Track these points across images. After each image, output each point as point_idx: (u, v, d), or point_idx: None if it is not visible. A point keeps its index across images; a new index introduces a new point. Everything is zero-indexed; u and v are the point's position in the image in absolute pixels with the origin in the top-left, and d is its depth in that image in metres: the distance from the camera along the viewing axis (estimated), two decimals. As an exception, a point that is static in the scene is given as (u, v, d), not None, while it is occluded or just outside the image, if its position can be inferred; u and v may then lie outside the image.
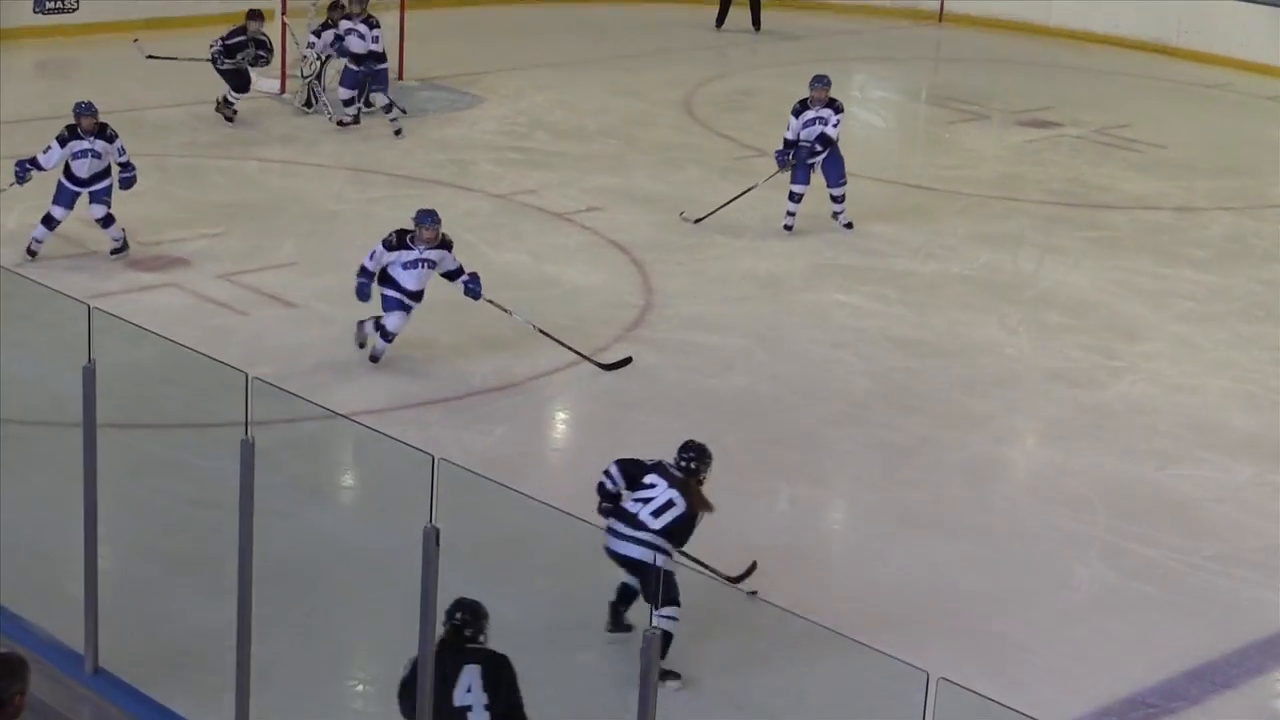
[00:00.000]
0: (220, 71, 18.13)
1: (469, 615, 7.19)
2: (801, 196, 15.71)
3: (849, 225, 15.89)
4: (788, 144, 15.65)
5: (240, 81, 18.30)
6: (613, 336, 13.12)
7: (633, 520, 8.47)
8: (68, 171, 14.03)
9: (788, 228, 15.73)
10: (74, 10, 21.79)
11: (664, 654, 7.80)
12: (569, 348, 12.42)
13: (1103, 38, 25.04)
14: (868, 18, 25.95)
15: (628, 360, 12.48)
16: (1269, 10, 23.98)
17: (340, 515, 10.47)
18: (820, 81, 15.65)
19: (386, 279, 12.27)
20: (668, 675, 8.06)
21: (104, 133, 14.03)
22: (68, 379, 7.73)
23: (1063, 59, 24.19)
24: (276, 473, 9.04)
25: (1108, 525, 10.69)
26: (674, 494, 8.56)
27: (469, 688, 7.08)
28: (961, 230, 16.28)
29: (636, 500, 8.55)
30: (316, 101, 18.79)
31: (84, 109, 14.04)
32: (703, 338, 13.28)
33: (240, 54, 18.10)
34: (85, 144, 13.97)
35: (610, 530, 8.45)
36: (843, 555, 10.45)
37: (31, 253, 13.99)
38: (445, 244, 12.28)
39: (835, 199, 15.83)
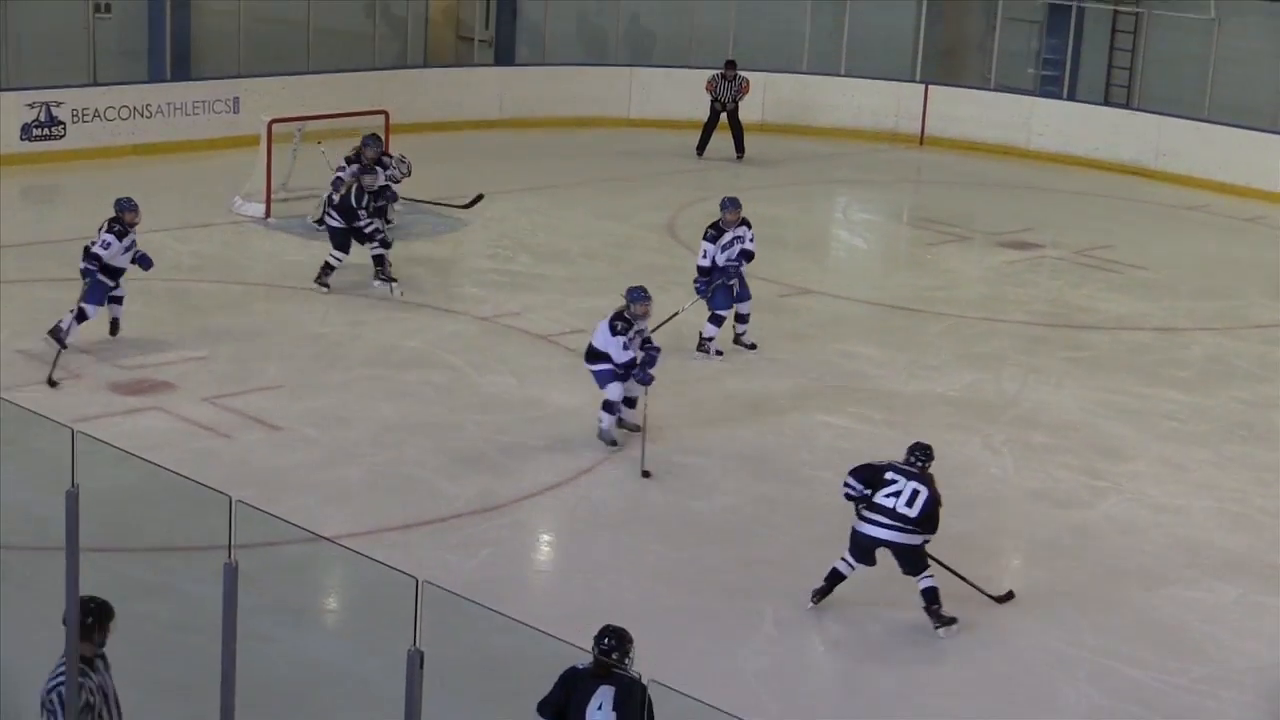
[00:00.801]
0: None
1: (614, 641, 7.89)
2: (724, 320, 15.74)
3: (753, 346, 15.92)
4: (704, 271, 15.70)
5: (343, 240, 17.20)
6: (597, 459, 13.12)
7: (889, 512, 10.58)
8: (108, 268, 14.64)
9: (718, 354, 15.74)
10: (61, 137, 21.91)
11: (936, 603, 10.64)
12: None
13: (1082, 160, 25.27)
14: (849, 141, 26.16)
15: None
16: (1245, 133, 24.24)
17: (324, 638, 10.41)
18: (731, 204, 15.79)
19: (595, 355, 13.34)
20: (945, 621, 10.66)
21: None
22: (50, 503, 7.70)
23: (1043, 181, 24.39)
24: (260, 596, 8.98)
25: (1095, 646, 10.66)
26: (916, 484, 10.59)
27: (600, 705, 7.77)
28: (945, 351, 16.34)
29: (888, 495, 10.57)
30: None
31: (130, 205, 14.97)
32: (687, 459, 13.28)
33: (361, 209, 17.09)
34: (133, 237, 14.82)
35: (866, 520, 10.62)
36: (828, 679, 10.40)
37: (64, 345, 14.36)
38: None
39: (742, 317, 15.94)
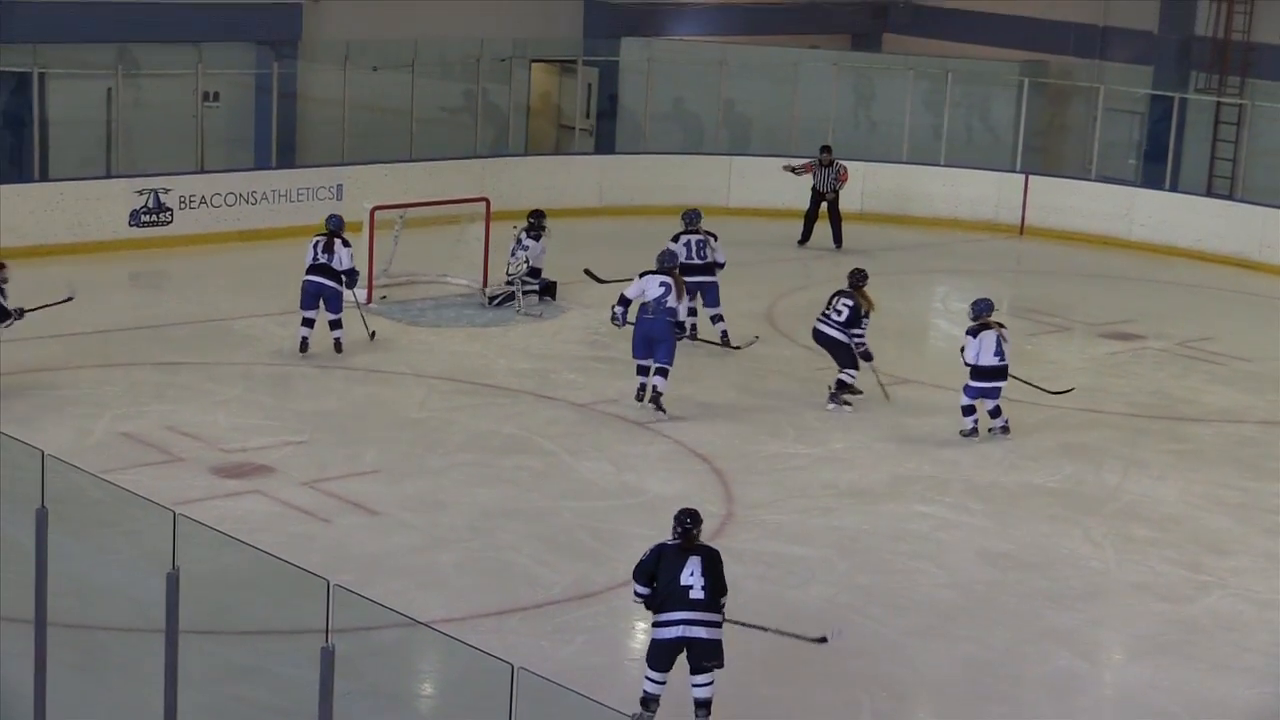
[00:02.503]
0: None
1: (692, 520, 10.24)
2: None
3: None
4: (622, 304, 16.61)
5: None
6: (693, 546, 13.05)
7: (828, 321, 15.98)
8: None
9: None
10: (168, 223, 22.24)
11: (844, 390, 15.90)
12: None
13: (1184, 251, 25.07)
14: (949, 230, 26.09)
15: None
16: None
17: (419, 724, 10.41)
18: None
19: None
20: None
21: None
22: (151, 585, 7.77)
23: (1145, 272, 24.21)
24: (356, 680, 9.00)
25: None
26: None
27: (692, 572, 9.99)
28: (1045, 442, 16.20)
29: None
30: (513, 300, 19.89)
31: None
32: (784, 548, 13.23)
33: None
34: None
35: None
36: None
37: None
38: None
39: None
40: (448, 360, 17.73)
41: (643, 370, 16.45)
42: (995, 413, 16.17)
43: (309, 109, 25.47)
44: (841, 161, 24.38)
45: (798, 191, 24.92)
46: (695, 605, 9.97)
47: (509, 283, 19.91)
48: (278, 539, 12.23)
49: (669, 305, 16.24)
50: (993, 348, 15.89)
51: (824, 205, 24.34)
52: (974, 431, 16.12)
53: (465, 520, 13.41)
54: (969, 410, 16.11)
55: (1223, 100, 27.38)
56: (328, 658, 7.14)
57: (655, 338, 16.27)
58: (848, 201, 24.75)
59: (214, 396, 15.94)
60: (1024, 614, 12.26)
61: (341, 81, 24.60)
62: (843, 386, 16.78)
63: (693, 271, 18.39)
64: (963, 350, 16.01)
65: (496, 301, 19.95)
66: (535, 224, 20.16)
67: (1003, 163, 27.50)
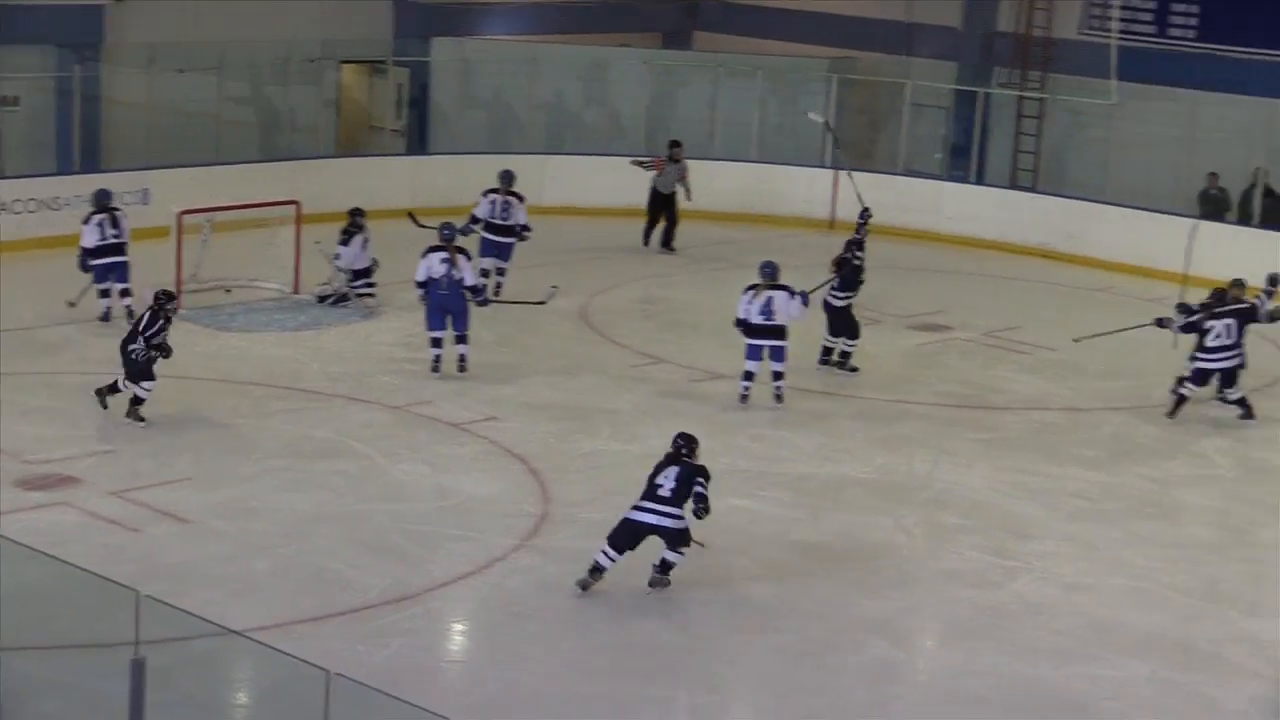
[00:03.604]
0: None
1: (684, 442, 12.33)
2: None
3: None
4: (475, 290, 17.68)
5: None
6: (510, 546, 13.09)
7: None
8: None
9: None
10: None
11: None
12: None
13: (990, 243, 25.52)
14: (761, 226, 26.29)
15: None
16: (1148, 215, 24.62)
17: (234, 734, 10.29)
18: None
19: (782, 331, 16.90)
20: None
21: None
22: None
23: (952, 264, 24.59)
24: (169, 692, 8.90)
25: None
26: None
27: (666, 477, 12.11)
28: (857, 434, 16.42)
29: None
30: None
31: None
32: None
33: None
34: None
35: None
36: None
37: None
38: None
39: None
40: (259, 365, 17.53)
41: (436, 342, 17.39)
42: (775, 375, 16.96)
43: (113, 112, 24.99)
44: (687, 161, 24.32)
45: (614, 190, 25.01)
46: (661, 500, 12.09)
47: (343, 295, 19.80)
48: (86, 551, 12.04)
49: (457, 277, 17.31)
50: (758, 308, 16.84)
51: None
52: (744, 398, 16.98)
53: (279, 527, 13.28)
54: (746, 375, 16.98)
55: (1025, 95, 27.91)
56: (138, 670, 7.05)
57: (450, 310, 17.39)
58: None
59: (17, 407, 15.59)
60: (838, 604, 12.42)
61: (146, 84, 24.20)
62: (846, 357, 18.18)
63: (495, 230, 20.61)
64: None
65: (330, 301, 19.80)
66: (347, 227, 19.96)
67: (812, 158, 27.81)
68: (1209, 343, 17.24)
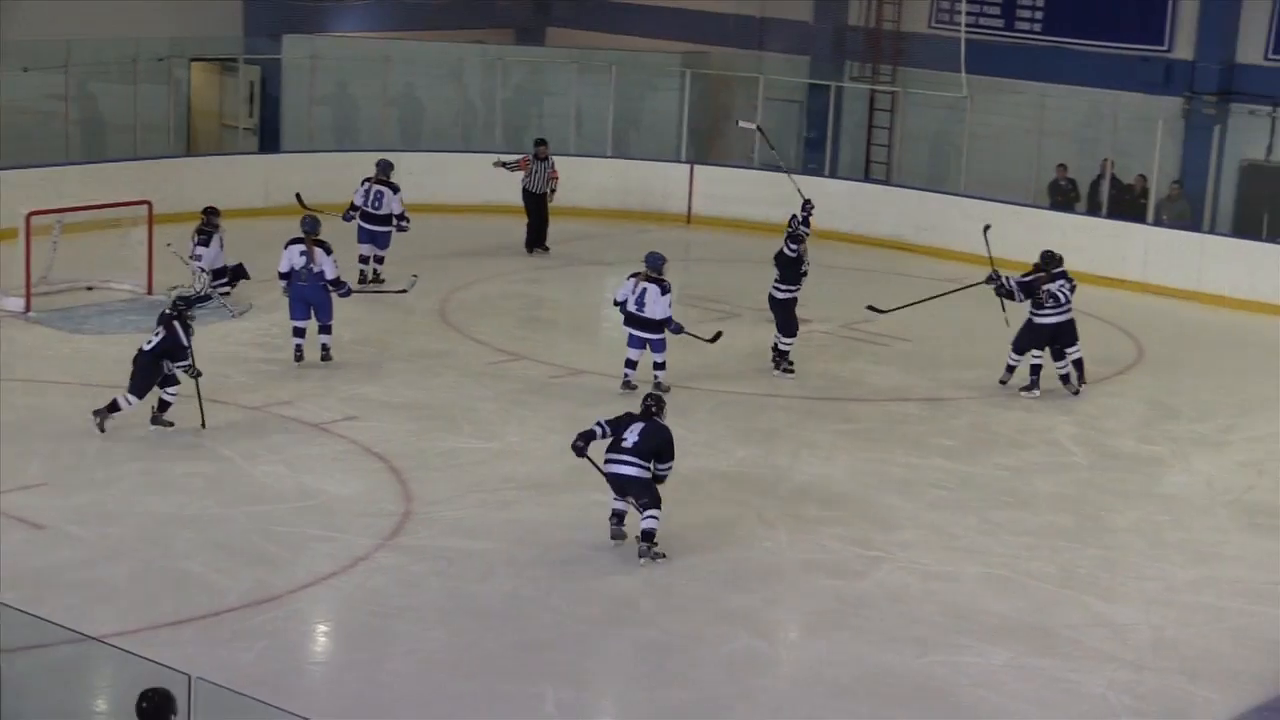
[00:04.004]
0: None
1: (653, 401, 13.27)
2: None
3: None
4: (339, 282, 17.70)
5: None
6: (372, 546, 13.01)
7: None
8: None
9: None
10: None
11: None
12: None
13: (846, 236, 25.73)
14: (617, 221, 26.35)
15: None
16: (1000, 206, 24.92)
17: (95, 742, 10.14)
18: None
19: (656, 325, 16.96)
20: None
21: None
22: None
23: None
24: (27, 700, 8.75)
25: (871, 714, 10.80)
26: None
27: (632, 431, 12.99)
28: (718, 428, 16.49)
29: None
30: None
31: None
32: (464, 543, 13.22)
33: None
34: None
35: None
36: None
37: None
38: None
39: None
40: (113, 368, 17.20)
41: (298, 332, 17.65)
42: (655, 366, 17.16)
43: (-42, 111, 24.54)
44: (552, 156, 24.15)
45: (471, 186, 24.95)
46: (625, 450, 12.95)
47: (205, 295, 19.46)
48: (-63, 559, 11.80)
49: (316, 270, 17.51)
50: (633, 299, 16.97)
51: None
52: (626, 385, 17.19)
53: (137, 531, 13.10)
54: (628, 363, 17.24)
55: (876, 88, 28.22)
56: (-6, 679, 6.91)
57: (311, 301, 17.60)
58: (514, 196, 24.68)
59: None
60: (702, 597, 12.47)
61: (-10, 83, 23.78)
62: (783, 356, 18.24)
63: (369, 219, 21.18)
64: None
65: (192, 303, 19.40)
66: (203, 225, 19.67)
67: (668, 153, 27.91)
68: (1045, 303, 17.65)
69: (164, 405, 15.43)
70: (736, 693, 11.10)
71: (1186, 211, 25.00)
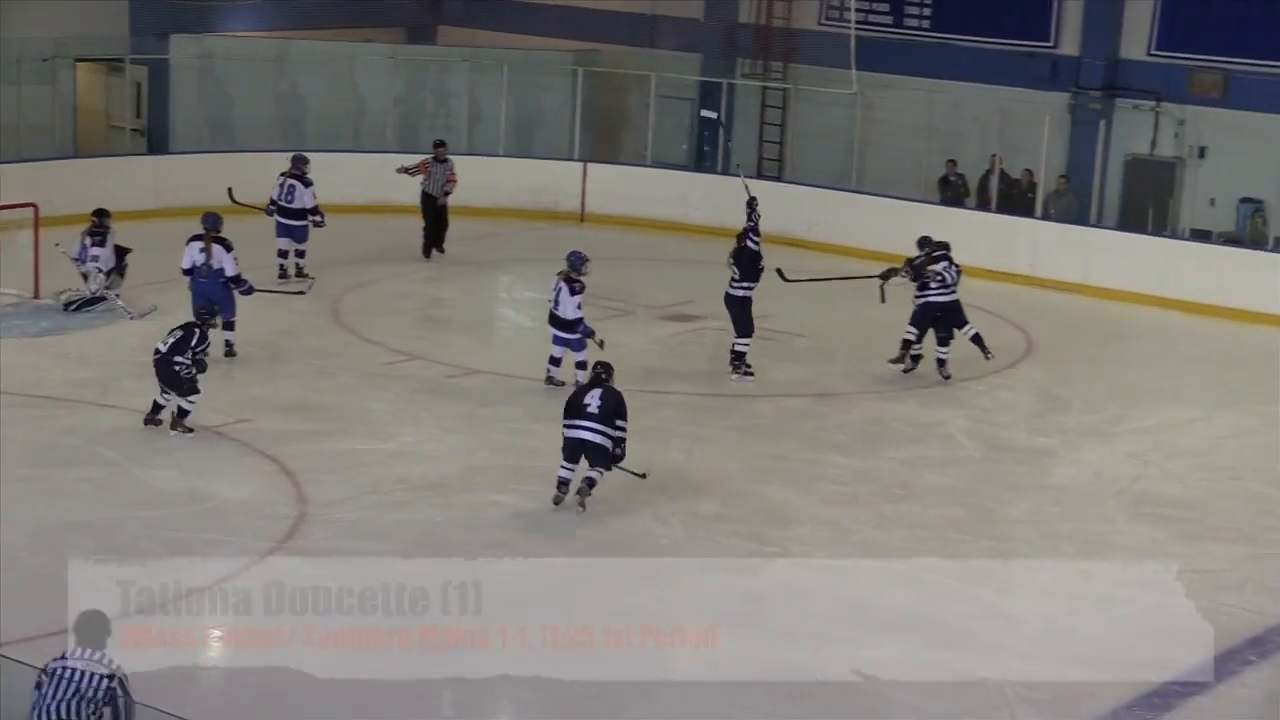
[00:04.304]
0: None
1: (603, 368, 14.22)
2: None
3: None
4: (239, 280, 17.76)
5: None
6: (266, 549, 12.91)
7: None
8: None
9: None
10: None
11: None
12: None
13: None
14: (511, 220, 26.30)
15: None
16: (891, 202, 25.15)
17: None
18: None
19: (567, 324, 17.05)
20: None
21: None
22: None
23: (702, 254, 24.71)
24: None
25: (770, 710, 10.84)
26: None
27: (592, 397, 13.95)
28: (613, 425, 16.48)
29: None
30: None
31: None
32: (359, 544, 13.15)
33: None
34: None
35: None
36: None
37: None
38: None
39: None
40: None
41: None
42: (577, 365, 17.13)
43: None
44: (451, 157, 23.69)
45: (362, 186, 24.81)
46: (590, 416, 13.81)
47: (99, 297, 19.32)
48: None
49: (216, 266, 17.56)
50: (553, 297, 17.17)
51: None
52: (550, 381, 17.33)
53: (25, 538, 12.91)
54: (553, 361, 17.34)
55: (768, 85, 28.34)
56: None
57: (212, 297, 17.17)
58: (409, 195, 24.52)
59: None
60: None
61: None
62: (739, 358, 18.15)
63: (285, 214, 21.32)
64: None
65: (74, 307, 19.25)
66: (95, 227, 19.48)
67: (561, 151, 27.89)
68: (931, 283, 17.85)
69: (183, 413, 15.37)
70: (635, 691, 11.11)
71: (1073, 206, 25.30)
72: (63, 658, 8.90)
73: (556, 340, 17.27)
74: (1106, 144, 25.45)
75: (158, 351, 15.40)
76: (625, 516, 14.06)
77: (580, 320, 17.05)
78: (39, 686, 8.76)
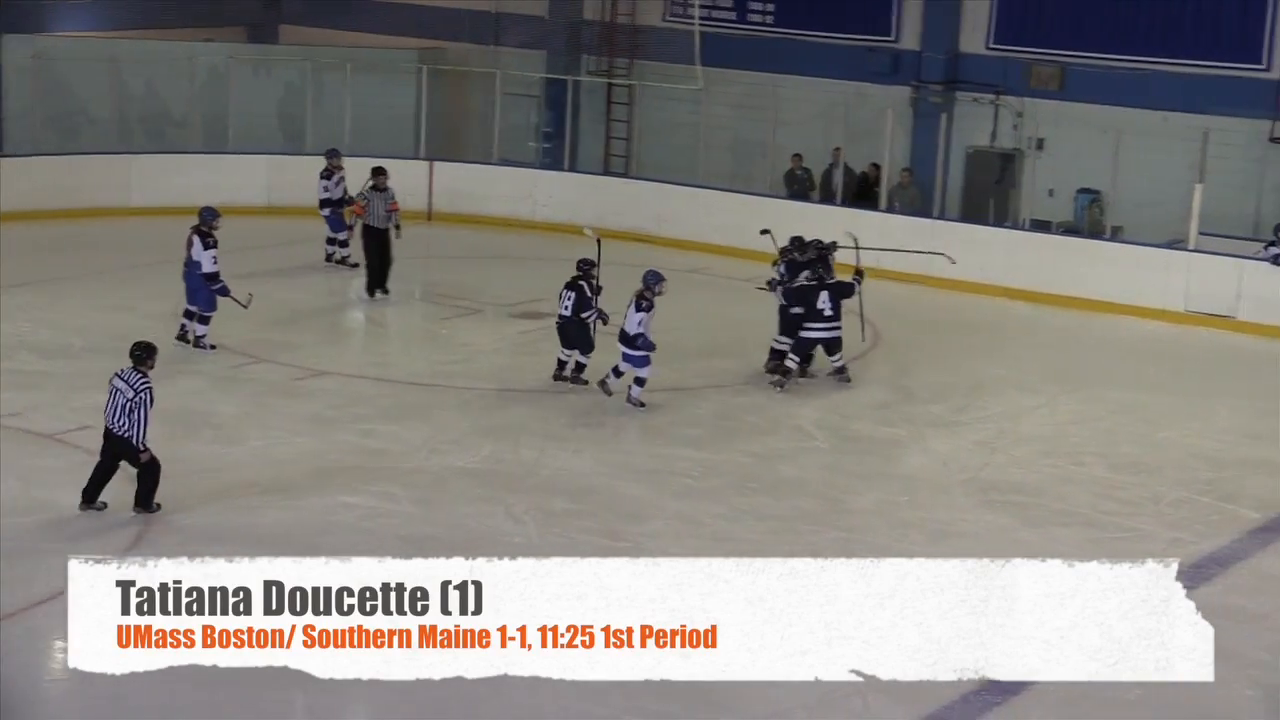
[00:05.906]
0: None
1: (585, 265, 17.43)
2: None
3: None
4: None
5: None
6: (111, 558, 12.65)
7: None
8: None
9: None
10: None
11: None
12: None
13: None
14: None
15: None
16: (737, 197, 25.31)
17: None
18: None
19: (631, 339, 17.26)
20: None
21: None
22: None
23: (550, 252, 24.71)
24: None
25: (625, 707, 10.84)
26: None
27: (568, 299, 17.33)
28: (463, 424, 16.43)
29: None
30: None
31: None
32: (207, 548, 12.92)
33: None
34: None
35: None
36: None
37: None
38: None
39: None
40: None
41: (189, 314, 18.63)
42: (637, 381, 17.35)
43: None
44: (391, 186, 22.34)
45: (205, 188, 24.48)
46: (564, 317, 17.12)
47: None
48: None
49: (195, 259, 18.47)
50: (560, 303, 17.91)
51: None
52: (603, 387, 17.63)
53: None
54: (615, 371, 17.56)
55: (613, 82, 28.39)
56: None
57: (189, 286, 18.55)
58: (252, 196, 24.27)
59: None
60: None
61: None
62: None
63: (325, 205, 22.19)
64: None
65: None
66: None
67: (406, 150, 27.74)
68: (817, 313, 17.96)
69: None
70: (490, 691, 11.04)
71: (917, 198, 25.60)
72: (119, 375, 13.38)
73: (625, 357, 17.33)
74: (948, 137, 25.77)
75: None
76: (478, 515, 13.99)
77: (641, 335, 17.08)
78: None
